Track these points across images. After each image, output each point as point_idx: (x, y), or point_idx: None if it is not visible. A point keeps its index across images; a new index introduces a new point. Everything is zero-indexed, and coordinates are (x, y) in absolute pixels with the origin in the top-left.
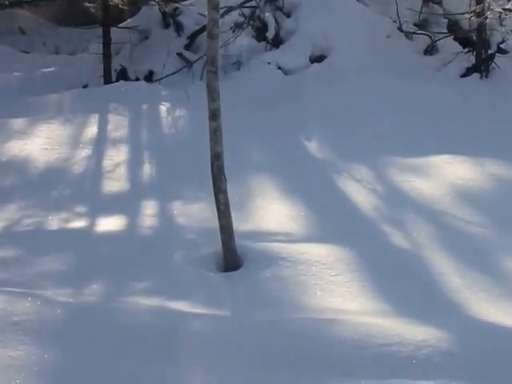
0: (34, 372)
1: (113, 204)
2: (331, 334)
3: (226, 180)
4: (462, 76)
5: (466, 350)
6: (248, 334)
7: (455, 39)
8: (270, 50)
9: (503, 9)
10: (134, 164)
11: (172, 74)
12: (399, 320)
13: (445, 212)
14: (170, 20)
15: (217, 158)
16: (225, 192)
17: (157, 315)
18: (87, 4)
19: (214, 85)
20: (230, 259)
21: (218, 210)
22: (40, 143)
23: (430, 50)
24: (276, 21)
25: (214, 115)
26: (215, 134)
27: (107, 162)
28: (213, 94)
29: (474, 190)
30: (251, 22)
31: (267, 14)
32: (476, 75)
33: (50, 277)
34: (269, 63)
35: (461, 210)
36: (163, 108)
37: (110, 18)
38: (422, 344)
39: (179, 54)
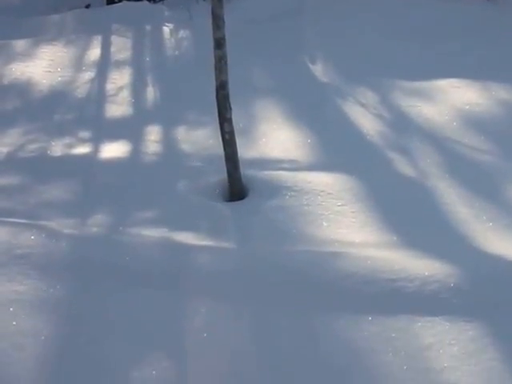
0: (40, 307)
1: (116, 129)
2: (337, 269)
3: (230, 109)
4: None
5: (475, 285)
6: (253, 269)
7: None
8: None
9: None
10: (137, 87)
11: None
12: (406, 253)
13: (451, 138)
14: None
15: (222, 87)
16: (230, 121)
17: (162, 248)
18: None
19: (219, 12)
20: (235, 189)
21: (223, 139)
22: (42, 65)
23: None
24: None
25: (219, 44)
26: (220, 63)
27: (110, 86)
28: (218, 22)
29: (481, 116)
30: None
31: None
32: None
33: (54, 206)
34: None
35: (468, 136)
36: (166, 29)
37: None
38: (429, 279)
39: None
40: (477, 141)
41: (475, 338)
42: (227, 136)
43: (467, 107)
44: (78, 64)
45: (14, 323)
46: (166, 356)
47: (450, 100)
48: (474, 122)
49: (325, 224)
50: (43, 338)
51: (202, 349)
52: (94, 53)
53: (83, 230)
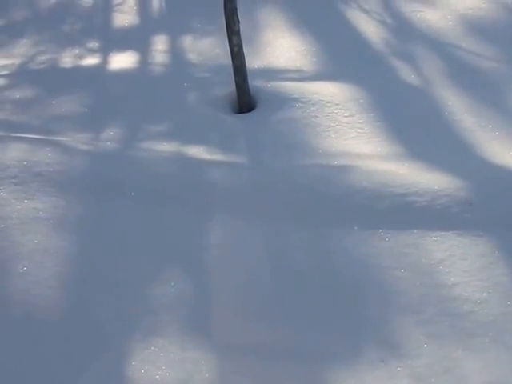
0: (59, 224)
1: (124, 39)
2: (348, 184)
3: (238, 22)
4: None
5: (484, 199)
6: (265, 184)
7: None
8: None
9: None
10: None
11: None
12: (415, 165)
13: (455, 45)
14: None
15: (229, 1)
16: (238, 34)
17: (175, 164)
18: None
19: None
20: (244, 101)
21: (232, 51)
22: None
23: None
24: None
25: None
26: None
27: None
28: None
29: (485, 21)
30: None
31: None
32: None
33: (67, 119)
34: None
35: (472, 42)
36: None
37: None
38: (439, 194)
39: None
40: (481, 47)
41: (486, 253)
42: (235, 49)
43: (470, 12)
44: None
45: (36, 241)
46: (183, 271)
47: (452, 5)
48: (477, 27)
49: (333, 135)
50: (64, 256)
51: (218, 264)
52: None
53: (98, 146)
